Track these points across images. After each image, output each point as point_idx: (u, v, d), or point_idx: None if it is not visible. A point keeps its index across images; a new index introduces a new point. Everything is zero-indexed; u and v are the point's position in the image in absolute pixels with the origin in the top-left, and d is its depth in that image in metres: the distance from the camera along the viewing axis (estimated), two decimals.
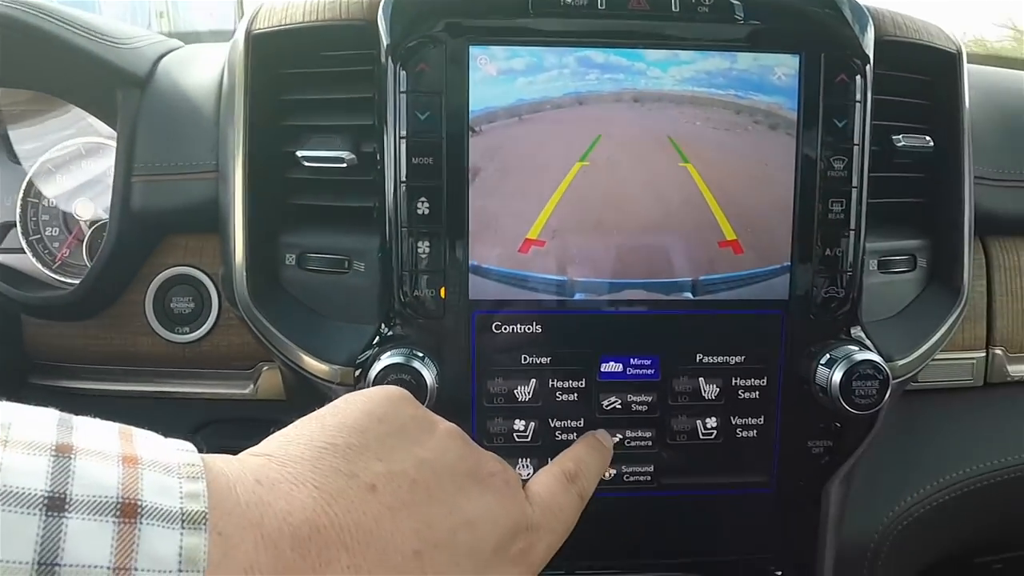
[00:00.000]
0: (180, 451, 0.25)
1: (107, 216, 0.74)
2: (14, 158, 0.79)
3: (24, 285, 0.71)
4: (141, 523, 0.22)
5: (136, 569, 0.21)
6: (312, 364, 0.55)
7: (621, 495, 0.57)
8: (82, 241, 0.75)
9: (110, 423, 0.25)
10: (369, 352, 0.54)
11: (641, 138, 0.55)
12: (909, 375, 0.60)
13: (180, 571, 0.22)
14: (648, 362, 0.56)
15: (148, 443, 0.25)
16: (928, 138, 0.62)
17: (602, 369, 0.56)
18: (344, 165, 0.57)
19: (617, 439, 0.56)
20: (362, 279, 0.57)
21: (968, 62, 0.64)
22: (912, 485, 0.67)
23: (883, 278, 0.62)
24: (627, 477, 0.57)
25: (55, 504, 0.21)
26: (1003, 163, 0.70)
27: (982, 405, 0.71)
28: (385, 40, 0.54)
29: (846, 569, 0.64)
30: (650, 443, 0.57)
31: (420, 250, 0.54)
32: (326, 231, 0.59)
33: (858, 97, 0.56)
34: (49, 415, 0.24)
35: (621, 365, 0.56)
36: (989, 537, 0.75)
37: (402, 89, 0.54)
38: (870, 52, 0.56)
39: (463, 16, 0.54)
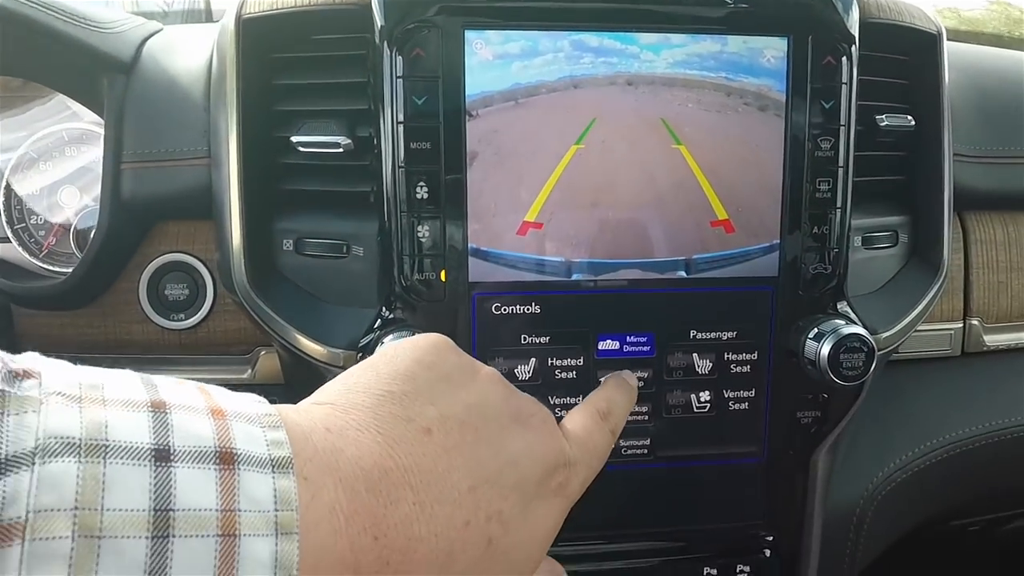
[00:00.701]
0: (256, 403, 0.27)
1: (93, 203, 0.74)
2: None
3: (11, 275, 0.70)
4: (239, 469, 0.23)
5: (240, 510, 0.23)
6: (314, 349, 0.56)
7: (618, 467, 0.59)
8: (68, 229, 0.75)
9: (185, 380, 0.27)
10: (371, 335, 0.55)
11: (635, 121, 0.56)
12: (892, 347, 0.62)
13: (276, 511, 0.24)
14: (644, 339, 0.58)
15: (227, 397, 0.27)
16: (909, 117, 0.64)
17: (599, 347, 0.57)
18: (340, 150, 0.57)
19: None
20: (361, 263, 0.58)
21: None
22: (894, 452, 0.70)
23: (866, 254, 0.64)
24: (624, 450, 0.59)
25: (161, 455, 0.22)
26: (979, 140, 0.72)
27: (960, 374, 0.74)
28: (379, 24, 0.54)
29: (833, 534, 0.67)
30: (646, 417, 0.59)
31: (420, 234, 0.55)
32: (322, 216, 0.59)
33: (844, 79, 0.57)
34: (131, 376, 0.25)
35: (618, 343, 0.58)
36: (966, 501, 0.78)
37: (398, 74, 0.54)
38: (856, 34, 0.58)
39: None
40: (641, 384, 0.58)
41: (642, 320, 0.58)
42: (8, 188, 0.74)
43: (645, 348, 0.58)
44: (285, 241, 0.59)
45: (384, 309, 0.56)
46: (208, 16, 1.10)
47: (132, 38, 0.70)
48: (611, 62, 0.55)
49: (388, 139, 0.54)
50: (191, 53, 0.68)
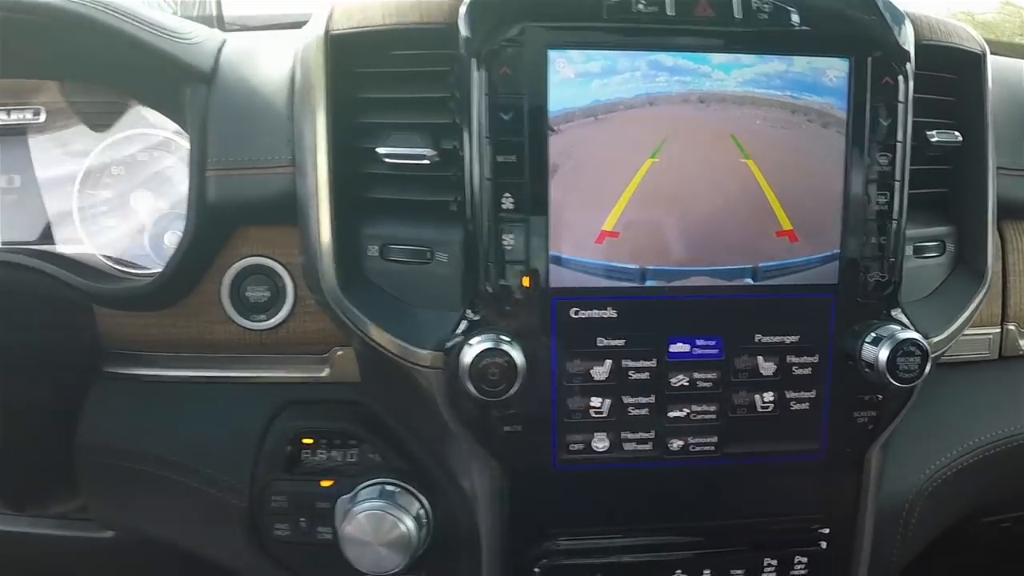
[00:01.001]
0: None
1: (168, 208, 0.77)
2: (69, 151, 0.80)
3: (86, 276, 0.73)
4: None
5: None
6: (404, 350, 0.59)
7: (687, 463, 0.62)
8: (142, 232, 0.77)
9: None
10: (457, 338, 0.58)
11: (707, 136, 0.59)
12: (943, 351, 0.66)
13: None
14: (712, 343, 0.61)
15: None
16: (957, 133, 0.67)
17: (671, 350, 0.61)
18: (426, 162, 0.60)
19: (684, 413, 0.61)
20: (445, 269, 0.61)
21: None
22: (939, 452, 0.73)
23: (917, 263, 0.68)
24: (693, 448, 0.62)
25: None
26: (1019, 153, 0.76)
27: (997, 377, 0.77)
28: (467, 43, 0.57)
29: (883, 527, 0.71)
30: (714, 416, 0.62)
31: (505, 243, 0.58)
32: (406, 223, 0.62)
33: (901, 98, 0.61)
34: None
35: (688, 346, 0.61)
36: (1002, 497, 0.82)
37: (485, 91, 0.57)
38: (912, 55, 0.61)
39: (541, 20, 0.57)
40: (709, 385, 0.62)
41: (711, 324, 0.61)
42: (82, 191, 0.76)
43: (714, 351, 0.61)
44: (370, 247, 0.62)
45: (469, 312, 0.59)
46: (220, 23, 1.10)
47: (209, 48, 0.72)
48: (685, 81, 0.59)
49: (474, 152, 0.58)
50: (269, 63, 0.71)
